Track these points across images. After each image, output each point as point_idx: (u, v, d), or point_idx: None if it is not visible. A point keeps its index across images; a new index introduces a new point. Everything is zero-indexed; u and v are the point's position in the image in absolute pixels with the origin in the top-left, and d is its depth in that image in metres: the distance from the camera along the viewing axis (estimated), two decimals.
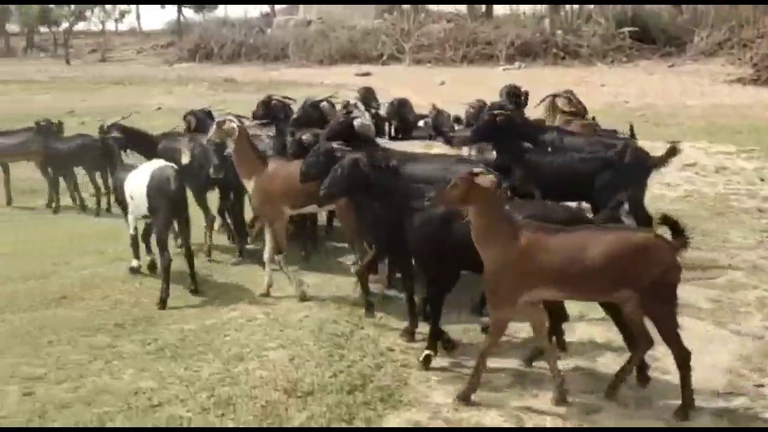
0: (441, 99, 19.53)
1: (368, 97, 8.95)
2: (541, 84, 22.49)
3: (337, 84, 26.64)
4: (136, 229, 6.52)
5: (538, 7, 31.35)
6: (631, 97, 20.06)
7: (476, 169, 4.19)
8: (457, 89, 22.56)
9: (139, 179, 6.06)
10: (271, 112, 8.03)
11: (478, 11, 32.81)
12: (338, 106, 8.04)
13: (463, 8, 33.55)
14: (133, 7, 49.78)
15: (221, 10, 47.36)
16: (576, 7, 29.44)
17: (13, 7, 45.34)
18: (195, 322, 5.42)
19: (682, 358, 4.10)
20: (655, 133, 13.70)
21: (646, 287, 3.99)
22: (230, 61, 35.50)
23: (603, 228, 4.39)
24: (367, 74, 28.02)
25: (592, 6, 29.13)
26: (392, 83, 26.75)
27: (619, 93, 22.37)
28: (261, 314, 5.57)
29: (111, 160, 6.78)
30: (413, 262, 5.07)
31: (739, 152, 11.83)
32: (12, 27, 47.06)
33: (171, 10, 48.20)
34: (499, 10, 33.32)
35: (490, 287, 4.23)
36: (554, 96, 8.84)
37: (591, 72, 26.18)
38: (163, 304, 5.74)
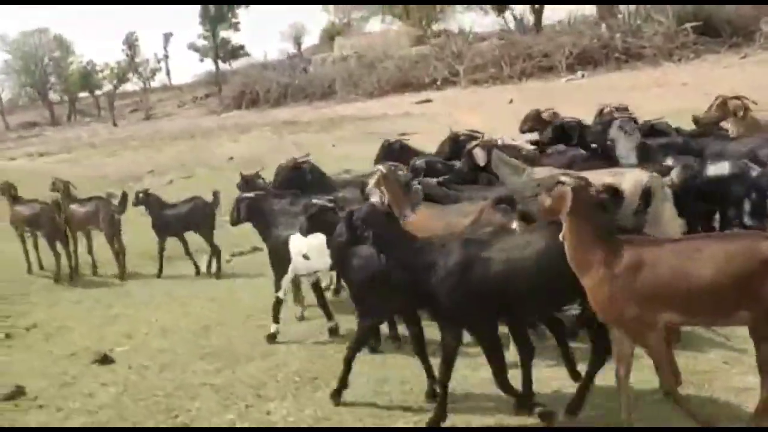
0: (514, 118, 18.99)
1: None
2: (613, 91, 21.70)
3: (400, 114, 26.16)
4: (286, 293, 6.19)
5: (589, 12, 30.75)
6: (726, 94, 19.11)
7: (562, 178, 3.65)
8: (527, 106, 21.89)
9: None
10: (459, 148, 7.37)
11: (527, 24, 32.24)
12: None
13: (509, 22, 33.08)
14: (162, 64, 49.89)
15: (257, 54, 47.52)
16: (633, 7, 28.69)
17: (53, 77, 45.98)
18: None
19: None
20: None
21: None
22: (277, 104, 35.27)
23: (720, 236, 3.89)
24: (427, 101, 27.51)
25: (649, 5, 28.34)
26: (456, 107, 26.10)
27: (708, 91, 21.52)
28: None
29: (262, 218, 6.40)
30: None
31: None
32: (52, 96, 47.61)
33: (199, 62, 48.51)
34: (546, 20, 32.71)
35: (613, 319, 3.58)
36: (725, 99, 8.06)
37: (662, 72, 25.29)
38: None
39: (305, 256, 5.84)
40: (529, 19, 32.80)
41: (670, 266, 3.38)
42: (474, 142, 6.61)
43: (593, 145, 7.15)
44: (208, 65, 47.70)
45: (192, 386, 5.33)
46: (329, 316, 6.17)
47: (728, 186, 5.76)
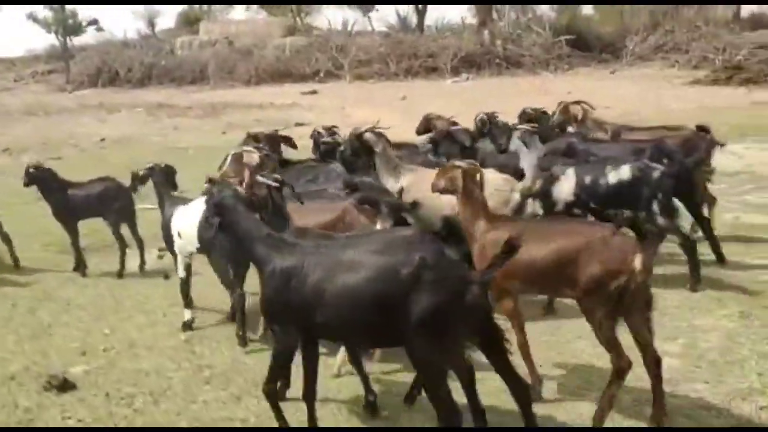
0: (406, 113, 18.57)
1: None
2: (501, 95, 22.08)
3: (287, 104, 24.81)
4: (186, 272, 5.63)
5: (454, 21, 31.43)
6: (610, 104, 19.77)
7: (457, 162, 4.36)
8: (418, 103, 21.56)
9: (190, 214, 5.33)
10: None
11: (409, 25, 32.23)
12: None
13: (391, 18, 32.86)
14: None
15: (113, 31, 43.31)
16: (513, 17, 29.63)
17: None
18: None
19: (618, 369, 3.51)
20: None
21: (584, 290, 3.55)
22: (140, 84, 32.32)
23: (558, 220, 4.91)
24: (313, 92, 26.46)
25: (529, 16, 29.44)
26: (345, 101, 25.26)
27: (593, 101, 22.44)
28: None
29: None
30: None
31: None
32: None
33: (35, 35, 43.15)
34: (428, 20, 32.93)
35: None
36: (567, 104, 8.22)
37: (542, 81, 26.22)
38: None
39: (178, 235, 5.51)
40: (412, 19, 32.83)
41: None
42: (367, 127, 6.49)
43: None
44: (47, 40, 42.68)
45: (213, 422, 4.08)
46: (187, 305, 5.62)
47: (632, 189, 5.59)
